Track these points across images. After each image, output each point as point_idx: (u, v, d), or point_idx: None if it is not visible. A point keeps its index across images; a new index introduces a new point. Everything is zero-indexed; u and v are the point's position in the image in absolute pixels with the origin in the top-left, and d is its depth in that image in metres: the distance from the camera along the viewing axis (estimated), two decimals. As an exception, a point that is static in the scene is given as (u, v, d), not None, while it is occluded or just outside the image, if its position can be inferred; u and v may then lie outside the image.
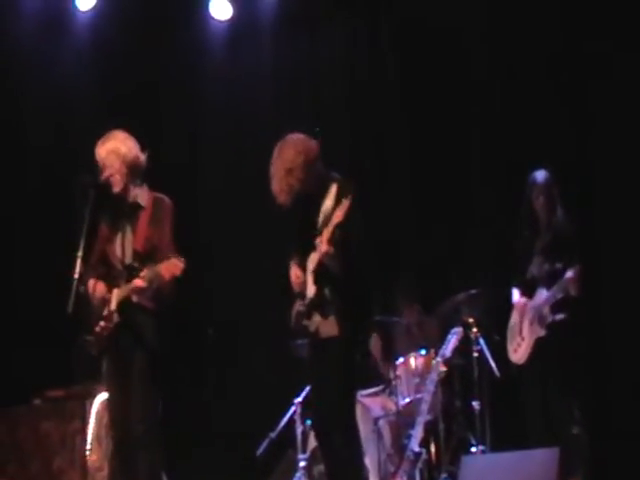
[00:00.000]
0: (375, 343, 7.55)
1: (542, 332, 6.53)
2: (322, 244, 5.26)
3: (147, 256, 5.58)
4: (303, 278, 5.52)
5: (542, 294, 6.58)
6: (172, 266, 5.40)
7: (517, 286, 6.78)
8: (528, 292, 6.69)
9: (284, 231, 6.10)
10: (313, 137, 5.66)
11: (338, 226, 5.21)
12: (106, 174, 5.65)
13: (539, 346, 6.54)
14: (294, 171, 5.49)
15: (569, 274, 6.43)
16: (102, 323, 5.60)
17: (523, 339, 6.64)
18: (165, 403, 5.95)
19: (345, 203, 5.17)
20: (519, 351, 6.65)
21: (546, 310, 6.53)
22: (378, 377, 7.44)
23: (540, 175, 6.70)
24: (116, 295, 5.61)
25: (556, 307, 6.51)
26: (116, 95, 8.54)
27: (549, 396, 6.48)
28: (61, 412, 6.94)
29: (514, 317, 6.76)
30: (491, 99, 8.04)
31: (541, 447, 5.99)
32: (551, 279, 6.55)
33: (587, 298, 7.09)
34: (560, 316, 6.51)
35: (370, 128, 8.65)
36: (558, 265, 6.54)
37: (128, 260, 5.65)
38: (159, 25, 8.73)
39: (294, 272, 5.58)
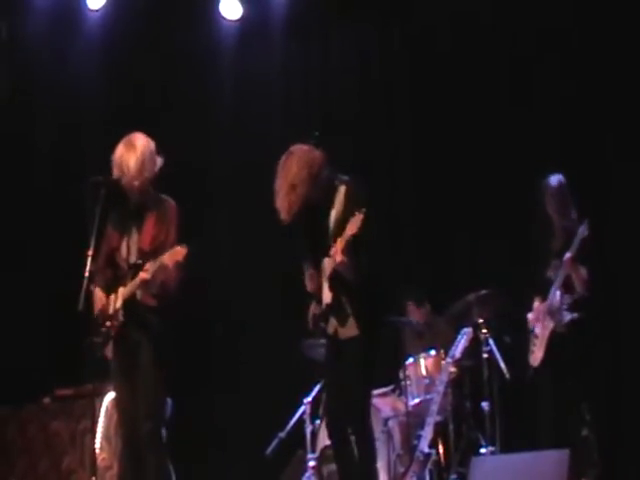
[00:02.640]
0: None
1: (552, 324, 6.50)
2: (336, 254, 5.24)
3: (152, 255, 5.58)
4: (318, 282, 5.50)
5: (555, 295, 6.55)
6: (174, 254, 5.42)
7: (537, 293, 6.73)
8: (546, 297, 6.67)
9: (294, 231, 6.08)
10: (313, 142, 5.60)
11: (352, 237, 5.17)
12: (117, 175, 5.66)
13: (553, 344, 6.51)
14: (297, 187, 5.43)
15: (567, 255, 6.42)
16: (108, 323, 5.61)
17: (537, 337, 6.62)
18: (175, 402, 5.95)
19: (358, 217, 5.12)
20: (536, 351, 6.63)
21: (556, 304, 6.51)
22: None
23: (553, 179, 6.70)
24: (122, 293, 5.62)
25: (570, 306, 6.50)
26: (125, 94, 8.56)
27: (563, 396, 6.43)
28: (70, 411, 6.95)
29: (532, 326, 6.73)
30: (505, 101, 8.02)
31: (551, 448, 5.97)
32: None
33: (602, 300, 7.08)
34: (575, 315, 6.48)
35: (380, 128, 8.63)
36: None
37: (133, 259, 5.67)
38: (169, 24, 8.73)
39: (309, 276, 5.56)
